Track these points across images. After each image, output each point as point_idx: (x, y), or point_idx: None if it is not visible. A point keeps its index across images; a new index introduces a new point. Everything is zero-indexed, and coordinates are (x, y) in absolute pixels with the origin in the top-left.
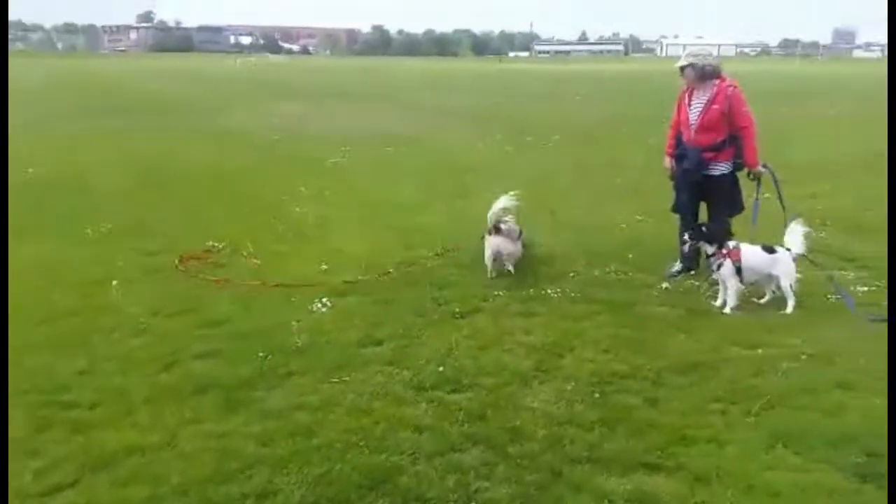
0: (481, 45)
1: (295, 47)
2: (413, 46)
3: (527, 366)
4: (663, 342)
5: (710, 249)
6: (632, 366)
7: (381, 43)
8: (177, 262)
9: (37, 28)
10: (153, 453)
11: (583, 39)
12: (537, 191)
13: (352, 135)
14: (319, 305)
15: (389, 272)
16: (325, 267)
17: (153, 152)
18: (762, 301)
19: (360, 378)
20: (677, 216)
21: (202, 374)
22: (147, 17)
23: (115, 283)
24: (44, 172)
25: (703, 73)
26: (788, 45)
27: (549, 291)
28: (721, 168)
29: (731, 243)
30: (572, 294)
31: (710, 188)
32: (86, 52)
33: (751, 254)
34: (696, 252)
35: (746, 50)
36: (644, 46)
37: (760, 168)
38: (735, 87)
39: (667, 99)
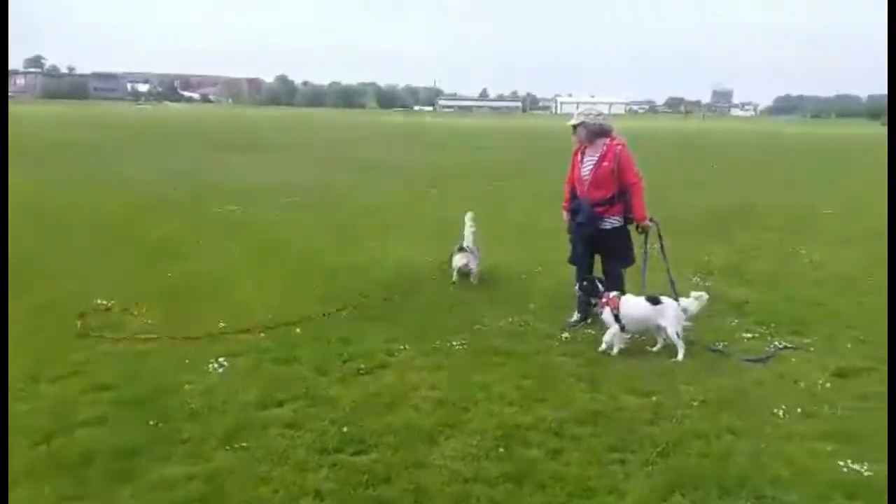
0: (387, 98)
1: (195, 95)
2: (318, 97)
3: (432, 422)
4: (565, 392)
5: (593, 300)
6: (535, 417)
7: (285, 93)
8: (78, 322)
9: None
10: None
11: (483, 96)
12: (437, 242)
13: (252, 185)
14: (215, 365)
15: (292, 327)
16: (222, 324)
17: (41, 202)
18: (654, 349)
19: (258, 443)
20: (574, 267)
21: (88, 443)
22: (36, 61)
23: None
24: None
25: (594, 132)
26: (673, 104)
27: (454, 344)
28: (612, 222)
29: (613, 293)
30: (477, 346)
31: (602, 241)
32: None
33: (633, 304)
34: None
35: (636, 108)
36: (541, 104)
37: (648, 222)
38: (623, 145)
39: (560, 153)
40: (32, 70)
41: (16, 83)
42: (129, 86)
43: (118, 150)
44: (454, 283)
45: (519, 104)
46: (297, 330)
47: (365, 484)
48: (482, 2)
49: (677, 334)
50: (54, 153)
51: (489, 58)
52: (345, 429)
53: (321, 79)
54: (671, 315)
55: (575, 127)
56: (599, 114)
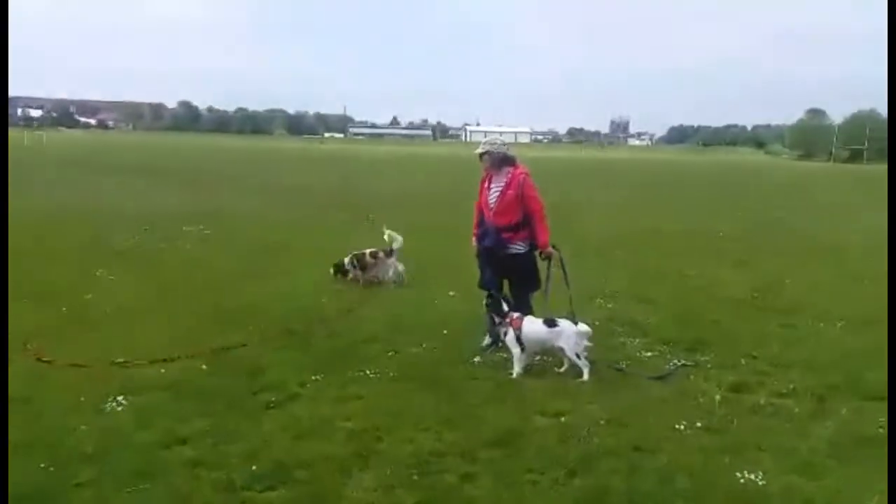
0: (295, 125)
1: (93, 121)
2: (224, 123)
3: (346, 453)
4: (477, 416)
5: (497, 318)
6: (448, 443)
7: (189, 119)
8: None
9: None
10: None
11: (394, 124)
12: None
13: (153, 213)
14: (114, 404)
15: (197, 360)
16: (121, 360)
17: None
18: (561, 370)
19: (161, 485)
20: (484, 292)
21: None
22: None
23: None
24: None
25: (499, 160)
26: (574, 134)
27: (367, 372)
28: (518, 247)
29: (515, 314)
30: (391, 373)
31: (510, 266)
32: None
33: (532, 326)
34: None
35: (540, 137)
36: (450, 132)
37: (550, 249)
38: (527, 174)
39: (471, 179)
40: None
41: None
42: (19, 111)
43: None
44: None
45: (430, 132)
46: (203, 366)
47: None
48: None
49: (577, 355)
50: None
51: (398, 86)
52: (254, 466)
53: (226, 104)
54: (568, 337)
55: (481, 155)
56: (504, 143)
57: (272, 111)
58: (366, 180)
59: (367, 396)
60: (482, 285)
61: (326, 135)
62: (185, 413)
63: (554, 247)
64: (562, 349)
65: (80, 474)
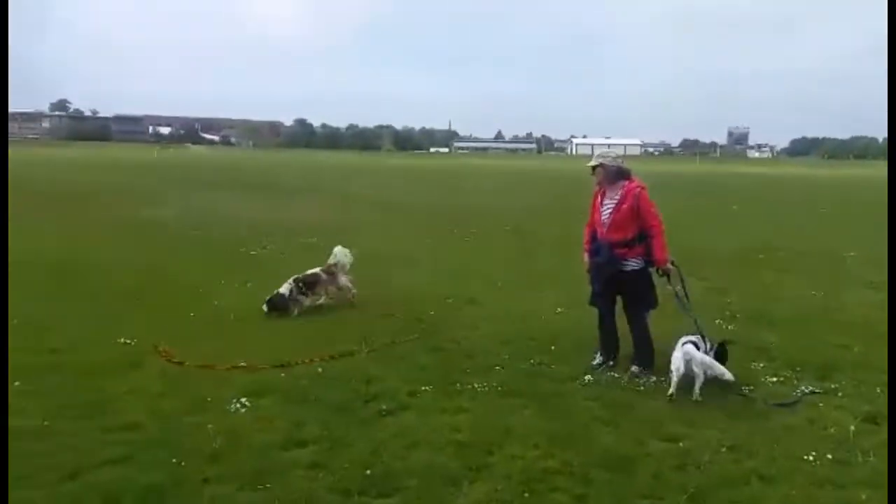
0: (402, 141)
1: (216, 138)
2: (335, 140)
3: (456, 465)
4: (590, 436)
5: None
6: (560, 462)
7: (303, 135)
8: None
9: None
10: None
11: (498, 138)
12: (455, 283)
13: (274, 225)
14: (237, 405)
15: (313, 366)
16: (243, 363)
17: (64, 244)
18: (671, 392)
19: (281, 485)
20: (595, 309)
21: (110, 482)
22: (61, 105)
23: (17, 383)
24: None
25: (613, 174)
26: (688, 146)
27: (475, 386)
28: (633, 264)
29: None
30: (499, 388)
31: (623, 283)
32: None
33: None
34: (615, 344)
35: (651, 149)
36: (555, 145)
37: (668, 265)
38: (643, 188)
39: (577, 194)
40: (58, 113)
41: (42, 125)
42: (150, 128)
43: (146, 194)
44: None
45: (534, 145)
46: (319, 370)
47: None
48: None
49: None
50: (85, 198)
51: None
52: (368, 471)
53: (338, 122)
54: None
55: (594, 168)
56: (618, 156)
57: (381, 127)
58: (468, 193)
59: (474, 410)
60: (593, 303)
61: (432, 150)
62: (302, 417)
63: (673, 263)
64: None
65: (207, 470)
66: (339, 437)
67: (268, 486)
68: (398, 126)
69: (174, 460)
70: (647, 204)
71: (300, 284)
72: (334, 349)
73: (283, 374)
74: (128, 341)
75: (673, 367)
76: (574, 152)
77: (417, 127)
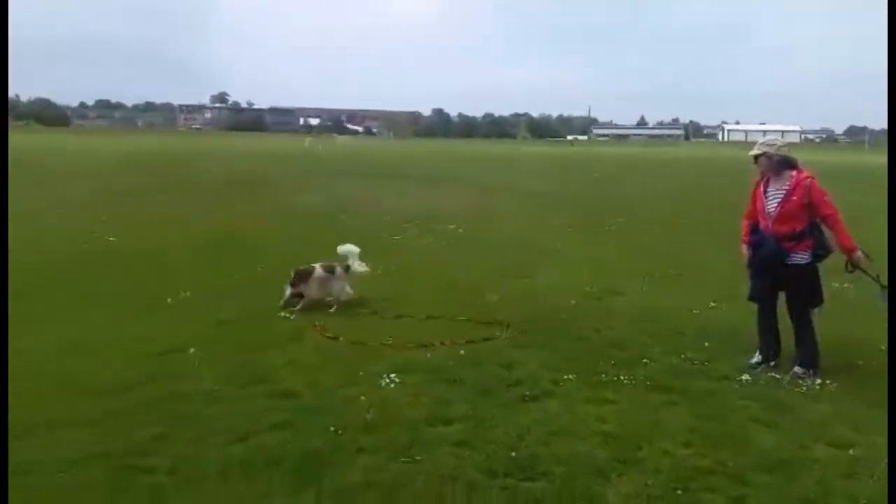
0: (539, 128)
1: (360, 129)
2: (471, 128)
3: (603, 456)
4: (746, 437)
5: None
6: (714, 461)
7: (441, 125)
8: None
9: (119, 107)
10: None
11: (641, 124)
12: (599, 273)
13: (414, 213)
14: (387, 380)
15: (456, 348)
16: (390, 341)
17: (226, 227)
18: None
19: (430, 459)
20: (755, 305)
21: (274, 446)
22: (221, 97)
23: (192, 350)
24: (124, 243)
25: (778, 164)
26: (855, 132)
27: (622, 378)
28: (800, 258)
29: None
30: (647, 382)
31: (788, 278)
32: (164, 130)
33: None
34: (776, 343)
35: (811, 136)
36: (705, 132)
37: (858, 253)
38: (812, 178)
39: (730, 184)
40: (218, 105)
41: (204, 116)
42: (301, 119)
43: (299, 182)
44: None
45: (681, 131)
46: (462, 352)
47: None
48: (633, 31)
49: None
50: (246, 186)
51: (645, 86)
52: (513, 453)
53: (474, 111)
54: None
55: (757, 157)
56: (784, 144)
57: (517, 115)
58: (609, 182)
59: (621, 402)
60: (752, 298)
61: (569, 137)
62: (448, 396)
63: (861, 250)
64: None
65: (361, 440)
66: (483, 418)
67: (417, 459)
68: (534, 114)
69: (331, 428)
70: (819, 193)
71: (293, 274)
72: (475, 334)
73: (427, 354)
74: (287, 316)
75: None
76: (725, 139)
77: (554, 115)
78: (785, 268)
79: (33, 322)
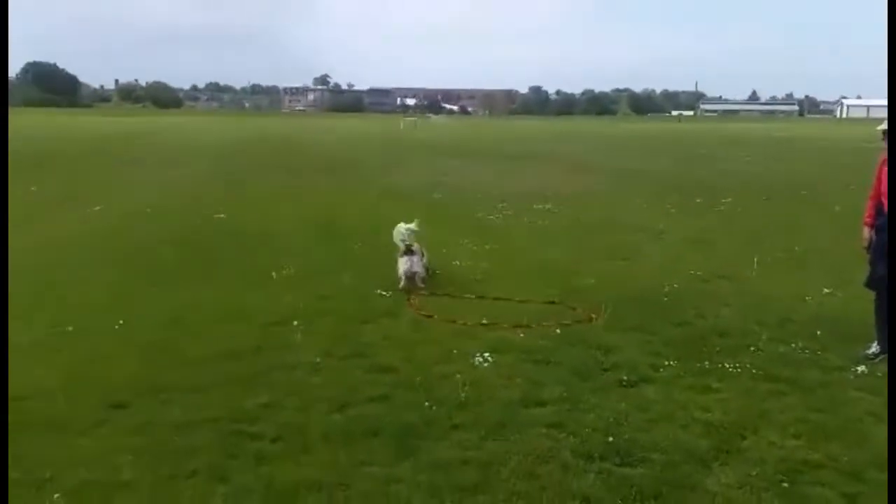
0: (642, 104)
1: (455, 108)
2: (570, 105)
3: (705, 445)
4: (862, 432)
5: None
6: (825, 455)
7: (538, 103)
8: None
9: (228, 89)
10: (330, 492)
11: (752, 98)
12: (704, 256)
13: (511, 192)
14: (481, 359)
15: (551, 329)
16: (485, 321)
17: (328, 205)
18: None
19: (523, 439)
20: (872, 292)
21: (372, 417)
22: (323, 80)
23: (295, 323)
24: (232, 220)
25: None
26: None
27: (726, 366)
28: None
29: None
30: (754, 370)
31: None
32: (269, 111)
33: None
34: None
35: None
36: (821, 107)
37: None
38: None
39: (850, 164)
40: (320, 87)
41: (308, 98)
42: (398, 99)
43: (395, 162)
44: (402, 289)
45: (795, 107)
46: (557, 331)
47: (633, 497)
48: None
49: None
50: (348, 166)
51: (759, 58)
52: (609, 438)
53: (573, 88)
54: None
55: (885, 133)
56: None
57: (617, 91)
58: (716, 161)
59: (725, 391)
60: (870, 285)
61: (674, 113)
62: (541, 377)
63: None
64: None
65: (455, 416)
66: (577, 401)
67: (510, 438)
68: (637, 89)
69: (426, 404)
70: None
71: (403, 247)
72: (570, 316)
73: (521, 335)
74: (383, 293)
75: None
76: (845, 115)
77: (659, 89)
78: None
79: (143, 290)
